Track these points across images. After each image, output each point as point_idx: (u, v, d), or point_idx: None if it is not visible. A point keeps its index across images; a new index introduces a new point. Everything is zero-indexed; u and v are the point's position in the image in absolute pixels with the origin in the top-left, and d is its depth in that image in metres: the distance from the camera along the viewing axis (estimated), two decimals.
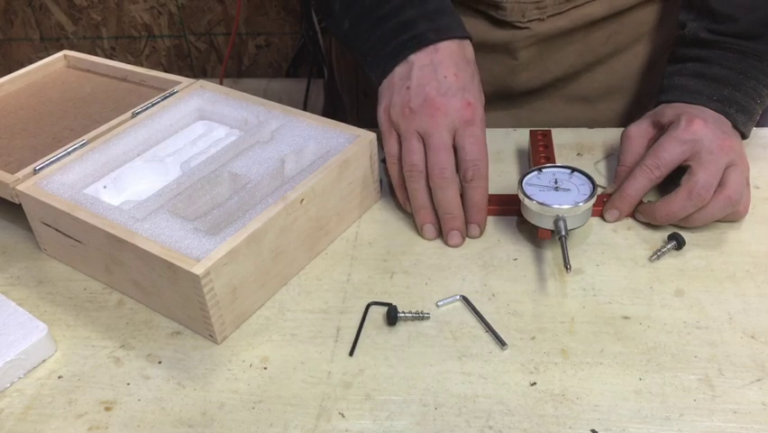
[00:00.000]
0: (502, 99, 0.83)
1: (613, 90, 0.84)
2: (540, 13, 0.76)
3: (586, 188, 0.61)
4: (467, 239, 0.63)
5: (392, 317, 0.55)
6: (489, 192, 0.68)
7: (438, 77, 0.63)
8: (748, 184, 0.62)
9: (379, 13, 0.67)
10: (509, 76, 0.81)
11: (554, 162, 0.69)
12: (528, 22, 0.76)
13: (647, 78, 0.83)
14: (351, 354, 0.54)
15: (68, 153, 0.65)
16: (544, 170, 0.63)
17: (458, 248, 0.63)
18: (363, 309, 0.57)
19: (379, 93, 0.67)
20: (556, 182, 0.62)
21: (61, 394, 0.52)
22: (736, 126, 0.64)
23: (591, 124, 0.79)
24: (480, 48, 0.78)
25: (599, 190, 0.63)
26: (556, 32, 0.77)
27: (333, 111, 1.09)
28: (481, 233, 0.63)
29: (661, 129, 0.66)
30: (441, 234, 0.63)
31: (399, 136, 0.64)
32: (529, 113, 0.85)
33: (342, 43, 0.87)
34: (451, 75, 0.63)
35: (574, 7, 0.76)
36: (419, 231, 0.64)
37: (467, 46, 0.66)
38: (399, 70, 0.65)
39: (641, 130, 0.67)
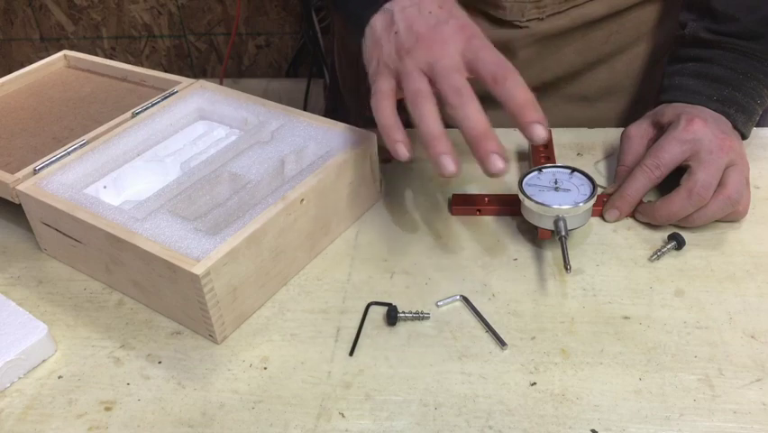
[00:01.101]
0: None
1: (613, 90, 0.84)
2: (539, 13, 0.76)
3: (586, 188, 0.61)
4: (467, 240, 0.63)
5: (392, 317, 0.55)
6: (489, 192, 0.68)
7: (423, 13, 0.58)
8: (748, 184, 0.62)
9: None
10: None
11: (554, 162, 0.69)
12: (528, 21, 0.76)
13: (647, 77, 0.83)
14: (351, 354, 0.54)
15: (68, 153, 0.65)
16: (544, 170, 0.63)
17: (458, 248, 0.62)
18: (363, 309, 0.57)
19: (365, 55, 0.62)
20: (556, 182, 0.62)
21: (61, 394, 0.52)
22: (735, 126, 0.64)
23: (591, 123, 0.79)
24: None
25: (599, 190, 0.63)
26: (556, 31, 0.77)
27: (333, 111, 1.09)
28: (545, 130, 0.52)
29: (661, 129, 0.66)
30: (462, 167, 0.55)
31: (398, 76, 0.58)
32: None
33: (334, 9, 0.83)
34: (435, 8, 0.58)
35: (574, 6, 0.76)
36: (435, 167, 0.53)
37: None
38: (379, 20, 0.60)
39: (641, 130, 0.67)
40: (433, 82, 0.55)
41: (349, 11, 0.65)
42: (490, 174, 0.52)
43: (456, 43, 0.55)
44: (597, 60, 0.82)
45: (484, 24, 0.77)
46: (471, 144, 0.53)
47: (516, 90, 0.53)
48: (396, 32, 0.58)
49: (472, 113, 0.53)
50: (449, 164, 0.53)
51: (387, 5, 0.60)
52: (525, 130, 0.52)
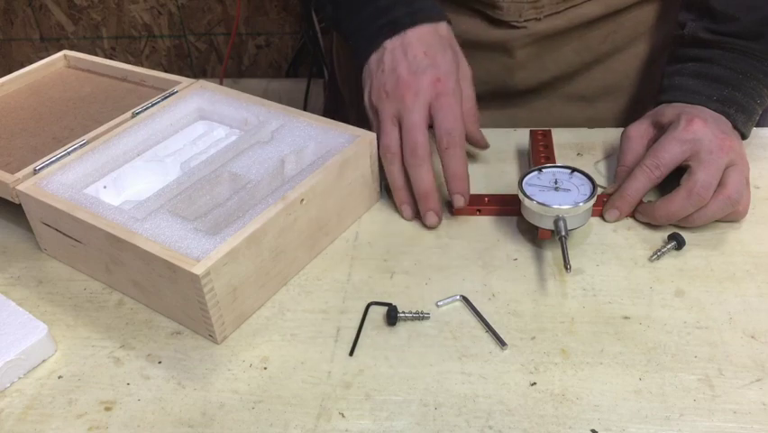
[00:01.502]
0: (500, 98, 0.83)
1: (611, 90, 0.84)
2: (537, 13, 0.76)
3: (586, 188, 0.61)
4: (467, 240, 0.63)
5: (392, 317, 0.55)
6: (489, 192, 0.68)
7: (408, 57, 0.64)
8: (748, 184, 0.62)
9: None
10: (507, 75, 0.81)
11: (554, 162, 0.69)
12: (525, 21, 0.76)
13: (646, 77, 0.83)
14: (351, 354, 0.54)
15: (68, 153, 0.65)
16: (544, 170, 0.63)
17: (458, 248, 0.63)
18: (363, 309, 0.57)
19: (362, 80, 0.68)
20: (556, 182, 0.62)
21: (61, 394, 0.52)
22: (735, 126, 0.64)
23: (590, 123, 0.79)
24: (477, 47, 0.78)
25: (599, 190, 0.63)
26: (553, 31, 0.77)
27: (333, 111, 1.09)
28: (466, 202, 0.63)
29: (661, 129, 0.66)
30: (419, 215, 0.65)
31: (377, 116, 0.65)
32: (527, 112, 0.85)
33: (332, 28, 0.89)
34: (420, 54, 0.64)
35: (571, 7, 0.76)
36: (399, 211, 0.66)
37: (441, 27, 0.67)
38: (374, 57, 0.66)
39: (640, 130, 0.67)
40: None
41: (354, 42, 0.70)
42: (426, 226, 0.65)
43: (425, 96, 0.62)
44: (594, 60, 0.82)
45: (482, 25, 0.77)
46: (417, 200, 0.64)
47: (453, 161, 0.62)
48: (382, 71, 0.65)
49: (421, 174, 0.62)
50: (407, 212, 0.66)
51: (385, 43, 0.66)
52: (450, 195, 0.64)
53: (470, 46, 0.76)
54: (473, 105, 0.68)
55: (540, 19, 0.76)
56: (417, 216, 0.65)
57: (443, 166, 0.63)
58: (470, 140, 0.68)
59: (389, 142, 0.63)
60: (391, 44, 0.65)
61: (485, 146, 0.70)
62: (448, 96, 0.62)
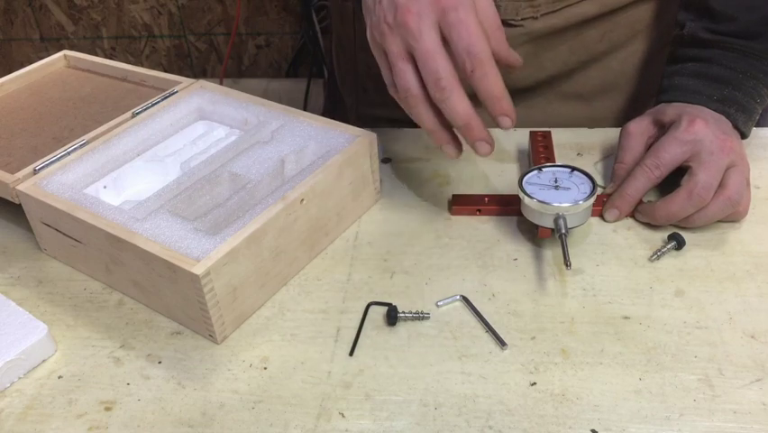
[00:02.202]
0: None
1: (608, 88, 0.84)
2: (533, 12, 0.76)
3: (586, 186, 0.61)
4: (467, 240, 0.63)
5: (392, 317, 0.55)
6: (489, 192, 0.68)
7: None
8: (748, 184, 0.62)
9: None
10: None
11: (554, 162, 0.69)
12: (522, 20, 0.76)
13: (643, 75, 0.83)
14: (351, 354, 0.54)
15: (68, 153, 0.65)
16: (543, 169, 0.63)
17: (458, 248, 0.63)
18: (363, 309, 0.57)
19: (363, 11, 0.61)
20: (556, 181, 0.62)
21: (61, 394, 0.52)
22: (736, 126, 0.64)
23: (587, 121, 0.79)
24: None
25: (599, 190, 0.63)
26: (550, 30, 0.77)
27: (333, 111, 1.09)
28: (513, 122, 0.56)
29: (661, 127, 0.66)
30: (464, 147, 0.59)
31: (388, 55, 0.58)
32: (525, 110, 0.85)
33: None
34: None
35: (567, 6, 0.76)
36: (443, 152, 0.60)
37: None
38: None
39: (641, 127, 0.67)
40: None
41: None
42: (480, 154, 0.58)
43: (431, 16, 0.54)
44: (591, 59, 0.82)
45: None
46: (461, 132, 0.57)
47: (484, 82, 0.54)
48: (380, 2, 0.57)
49: (454, 105, 0.55)
50: (450, 151, 0.59)
51: None
52: (494, 119, 0.56)
53: None
54: (493, 15, 0.58)
55: (537, 18, 0.76)
56: (461, 151, 0.59)
57: (476, 91, 0.55)
58: (496, 59, 0.57)
59: (407, 84, 0.56)
60: None
61: (517, 62, 0.60)
62: (456, 9, 0.54)
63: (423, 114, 0.57)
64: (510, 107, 0.56)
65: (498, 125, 0.57)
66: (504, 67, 0.57)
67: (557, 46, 0.80)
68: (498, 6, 0.75)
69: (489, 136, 0.57)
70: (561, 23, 0.77)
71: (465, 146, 0.60)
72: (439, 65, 0.54)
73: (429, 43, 0.54)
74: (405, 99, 0.57)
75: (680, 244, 0.60)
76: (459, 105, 0.55)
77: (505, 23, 0.76)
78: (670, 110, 0.65)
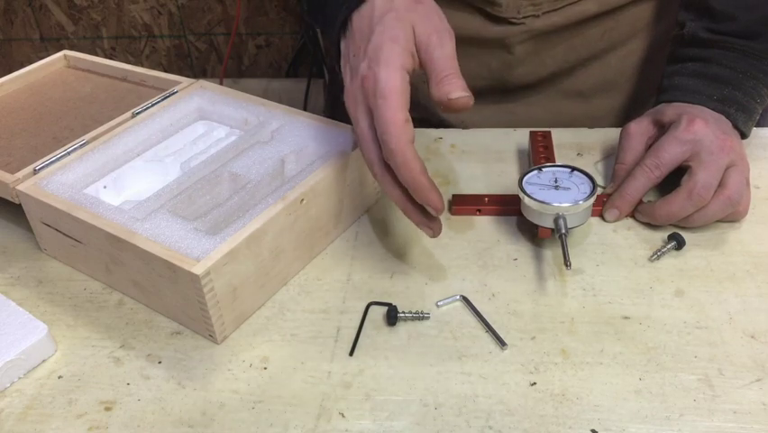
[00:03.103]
0: (497, 94, 0.84)
1: (608, 86, 0.84)
2: (535, 10, 0.76)
3: (586, 186, 0.61)
4: (467, 240, 0.63)
5: (392, 317, 0.55)
6: (489, 192, 0.68)
7: (349, 59, 0.57)
8: (748, 184, 0.62)
9: None
10: (505, 70, 0.81)
11: (554, 163, 0.69)
12: (523, 18, 0.76)
13: (642, 74, 0.84)
14: (351, 354, 0.54)
15: (68, 153, 0.65)
16: (543, 169, 0.63)
17: (458, 248, 0.62)
18: (363, 309, 0.57)
19: None
20: (556, 181, 0.62)
21: (61, 394, 0.52)
22: (736, 126, 0.64)
23: (587, 119, 0.79)
24: (476, 43, 0.78)
25: (599, 190, 0.63)
26: (551, 28, 0.78)
27: (333, 111, 1.09)
28: (439, 212, 0.54)
29: (661, 128, 0.66)
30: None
31: None
32: (525, 108, 0.85)
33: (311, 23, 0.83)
34: (357, 50, 0.56)
35: (569, 4, 0.76)
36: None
37: None
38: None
39: (641, 128, 0.67)
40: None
41: (328, 34, 0.63)
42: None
43: (362, 101, 0.54)
44: (592, 57, 0.82)
45: (481, 21, 0.78)
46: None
47: (401, 172, 0.52)
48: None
49: (389, 192, 0.55)
50: (422, 226, 0.57)
51: (341, 45, 0.59)
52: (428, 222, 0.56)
53: (468, 42, 0.76)
54: (443, 61, 0.53)
55: (538, 16, 0.76)
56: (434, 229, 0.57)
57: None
58: (444, 110, 0.54)
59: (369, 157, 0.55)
60: (345, 47, 0.58)
61: (466, 106, 0.53)
62: (374, 95, 0.52)
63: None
64: (433, 196, 0.53)
65: (427, 217, 0.56)
66: (457, 111, 0.54)
67: (558, 44, 0.80)
68: (499, 4, 0.75)
69: (429, 219, 0.56)
70: (562, 21, 0.77)
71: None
72: (367, 151, 0.54)
73: (361, 129, 0.55)
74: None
75: (680, 244, 0.60)
76: (391, 190, 0.55)
77: (506, 21, 0.77)
78: (669, 110, 0.65)
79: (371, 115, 0.53)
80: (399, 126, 0.51)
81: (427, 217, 0.56)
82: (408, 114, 0.52)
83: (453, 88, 0.52)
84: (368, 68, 0.53)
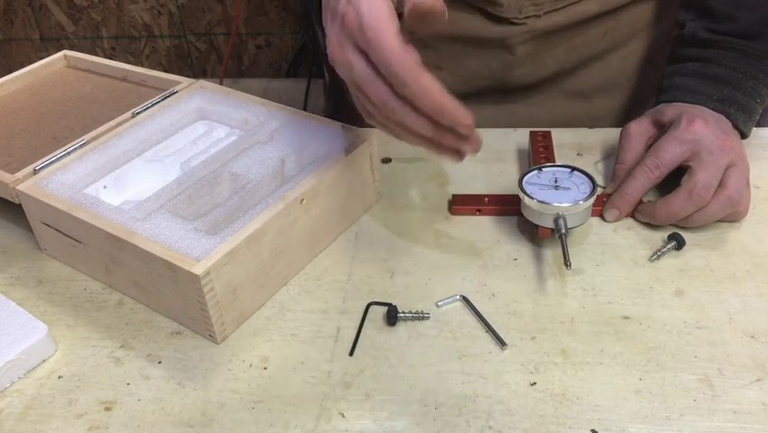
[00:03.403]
0: (498, 94, 0.84)
1: (609, 86, 0.84)
2: (536, 10, 0.76)
3: (586, 186, 0.61)
4: (467, 240, 0.63)
5: (392, 317, 0.55)
6: (489, 192, 0.68)
7: (329, 6, 0.51)
8: (748, 184, 0.62)
9: None
10: (506, 71, 0.81)
11: (554, 162, 0.69)
12: (525, 18, 0.76)
13: (643, 74, 0.84)
14: (351, 354, 0.54)
15: (68, 153, 0.65)
16: (543, 169, 0.63)
17: (458, 248, 0.62)
18: (363, 309, 0.57)
19: None
20: (556, 181, 0.62)
21: (61, 394, 0.52)
22: (736, 126, 0.64)
23: (588, 119, 0.79)
24: (477, 43, 0.78)
25: (599, 190, 0.63)
26: (552, 28, 0.78)
27: (334, 110, 1.09)
28: (469, 124, 0.50)
29: (661, 128, 0.66)
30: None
31: None
32: (526, 108, 0.85)
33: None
34: None
35: (570, 4, 0.76)
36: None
37: None
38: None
39: (641, 128, 0.67)
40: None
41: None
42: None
43: (346, 41, 0.49)
44: (593, 57, 0.82)
45: (482, 21, 0.78)
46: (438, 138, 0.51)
47: (423, 97, 0.48)
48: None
49: (412, 119, 0.50)
50: (448, 154, 0.53)
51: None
52: (455, 142, 0.51)
53: (469, 42, 0.76)
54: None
55: (539, 16, 0.76)
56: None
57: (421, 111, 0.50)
58: (415, 16, 0.48)
59: (374, 109, 0.52)
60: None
61: (433, 7, 0.47)
62: (361, 30, 0.47)
63: (401, 133, 0.52)
64: (462, 115, 0.49)
65: (461, 149, 0.52)
66: (422, 14, 0.47)
67: (559, 44, 0.80)
68: (500, 4, 0.75)
69: (464, 139, 0.52)
70: (563, 21, 0.77)
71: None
72: (378, 90, 0.49)
73: (359, 72, 0.50)
74: (381, 125, 0.54)
75: (680, 244, 0.60)
76: (415, 121, 0.50)
77: (507, 21, 0.77)
78: (669, 110, 0.65)
79: (364, 54, 0.48)
80: (402, 53, 0.47)
81: (461, 138, 0.51)
82: (404, 37, 0.48)
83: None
84: (347, 3, 0.48)
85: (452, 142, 0.52)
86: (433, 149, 0.53)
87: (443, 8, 0.47)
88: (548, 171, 0.63)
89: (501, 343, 0.53)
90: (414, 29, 0.48)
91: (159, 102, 0.73)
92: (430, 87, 0.48)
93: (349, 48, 0.49)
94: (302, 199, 0.58)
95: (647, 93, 0.83)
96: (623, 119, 0.69)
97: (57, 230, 0.61)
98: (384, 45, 0.47)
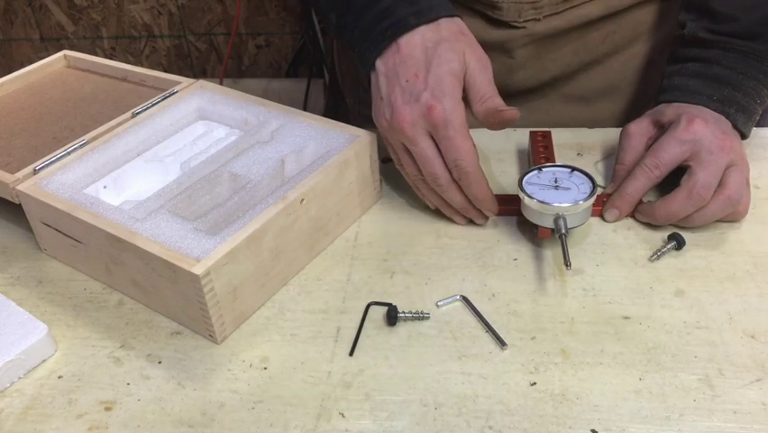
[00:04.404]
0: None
1: (610, 90, 0.84)
2: (536, 14, 0.76)
3: (586, 186, 0.61)
4: (467, 240, 0.63)
5: (392, 317, 0.55)
6: None
7: (401, 82, 0.60)
8: (748, 184, 0.62)
9: (362, 2, 0.64)
10: (506, 75, 0.81)
11: (554, 163, 0.69)
12: (525, 22, 0.76)
13: (644, 77, 0.83)
14: (351, 354, 0.54)
15: (68, 153, 0.65)
16: (543, 169, 0.63)
17: (458, 248, 0.63)
18: (363, 309, 0.57)
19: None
20: (556, 181, 0.62)
21: (61, 394, 0.52)
22: (735, 126, 0.64)
23: (588, 123, 0.79)
24: None
25: (599, 190, 0.63)
26: (553, 31, 0.77)
27: (334, 110, 1.09)
28: (495, 213, 0.64)
29: (661, 128, 0.66)
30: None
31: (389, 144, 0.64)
32: (527, 112, 0.85)
33: (335, 37, 0.85)
34: (411, 76, 0.60)
35: (571, 7, 0.76)
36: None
37: (443, 25, 0.61)
38: (373, 79, 0.63)
39: (641, 128, 0.67)
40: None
41: (355, 56, 0.67)
42: (478, 222, 0.65)
43: (425, 126, 0.59)
44: (593, 61, 0.82)
45: (482, 25, 0.77)
46: (459, 211, 0.64)
47: (470, 188, 0.61)
48: (380, 98, 0.62)
49: (451, 195, 0.62)
50: (460, 220, 0.65)
51: (376, 64, 0.62)
52: (480, 217, 0.64)
53: None
54: (485, 85, 0.61)
55: (539, 19, 0.76)
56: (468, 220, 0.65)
57: (466, 194, 0.62)
58: (492, 121, 0.61)
59: (414, 171, 0.62)
60: (382, 66, 0.62)
61: (514, 117, 0.60)
62: (446, 127, 0.58)
63: (430, 194, 0.64)
64: (494, 206, 0.63)
65: (483, 218, 0.65)
66: (502, 124, 0.61)
67: (559, 48, 0.80)
68: (500, 8, 0.75)
69: (482, 214, 0.64)
70: (563, 24, 0.77)
71: None
72: (436, 169, 0.60)
73: (425, 150, 0.60)
74: (414, 182, 0.64)
75: (680, 244, 0.60)
76: (456, 196, 0.62)
77: (507, 25, 0.76)
78: (669, 110, 0.65)
79: (432, 138, 0.60)
80: (472, 153, 0.59)
81: (479, 215, 0.64)
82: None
83: (498, 104, 0.60)
84: (432, 97, 0.58)
85: (471, 216, 0.64)
86: (447, 212, 0.65)
87: (517, 115, 0.60)
88: (548, 171, 0.63)
89: (501, 343, 0.53)
90: (485, 125, 0.61)
91: (159, 102, 0.73)
92: (483, 181, 0.61)
93: (421, 130, 0.59)
94: (302, 199, 0.58)
95: (648, 97, 0.83)
96: (623, 123, 0.69)
97: (57, 230, 0.61)
98: (462, 145, 0.59)
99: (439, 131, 0.59)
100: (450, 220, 0.66)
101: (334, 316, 0.57)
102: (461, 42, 0.61)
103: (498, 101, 0.60)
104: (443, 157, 0.60)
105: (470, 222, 0.65)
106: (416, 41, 0.61)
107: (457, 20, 0.63)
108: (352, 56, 0.70)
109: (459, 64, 0.60)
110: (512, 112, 0.60)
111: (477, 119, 0.61)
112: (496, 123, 0.60)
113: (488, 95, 0.60)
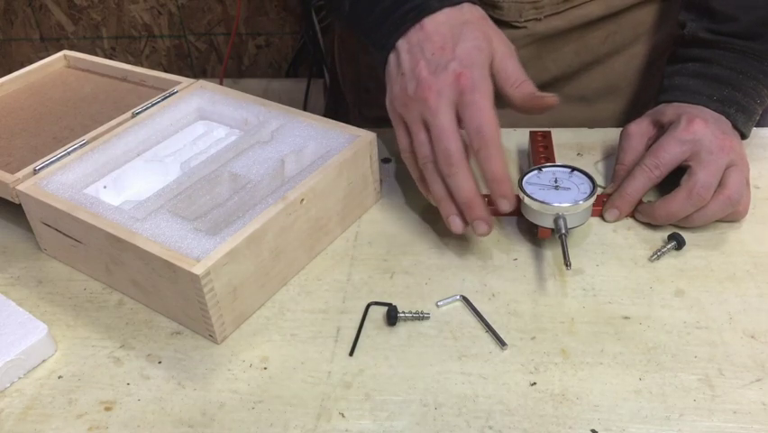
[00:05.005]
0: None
1: (611, 90, 0.84)
2: (537, 13, 0.76)
3: (586, 186, 0.61)
4: (467, 240, 0.63)
5: (392, 317, 0.55)
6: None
7: (426, 55, 0.59)
8: (748, 184, 0.62)
9: None
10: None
11: (554, 163, 0.69)
12: (525, 21, 0.76)
13: (645, 78, 0.83)
14: (351, 354, 0.54)
15: (68, 153, 0.65)
16: (543, 169, 0.64)
17: (458, 248, 0.62)
18: (363, 309, 0.57)
19: (385, 83, 0.64)
20: (556, 181, 0.62)
21: (61, 394, 0.52)
22: (735, 126, 0.64)
23: (590, 123, 0.79)
24: None
25: (599, 190, 0.63)
26: (553, 31, 0.77)
27: (335, 110, 1.09)
28: (512, 206, 0.58)
29: (661, 128, 0.66)
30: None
31: (406, 124, 0.61)
32: None
33: (347, 27, 0.84)
34: (437, 49, 0.58)
35: (571, 7, 0.76)
36: (446, 224, 0.61)
37: (466, 9, 0.61)
38: (392, 59, 0.62)
39: (641, 128, 0.67)
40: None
41: (369, 42, 0.66)
42: (477, 235, 0.59)
43: (450, 96, 0.57)
44: (594, 61, 0.82)
45: None
46: (461, 210, 0.59)
47: (488, 162, 0.56)
48: (402, 74, 0.60)
49: (459, 182, 0.57)
50: (455, 224, 0.60)
51: (398, 44, 0.61)
52: (493, 200, 0.58)
53: None
54: (516, 71, 0.60)
55: (540, 19, 0.76)
56: (467, 226, 0.60)
57: (480, 170, 0.57)
58: (531, 106, 0.59)
59: (426, 152, 0.59)
60: (407, 43, 0.60)
61: (554, 102, 0.59)
62: (473, 92, 0.56)
63: (436, 181, 0.59)
64: (510, 191, 0.57)
65: (498, 207, 0.58)
66: (543, 109, 0.59)
67: (560, 48, 0.80)
68: (501, 8, 0.75)
69: (489, 217, 0.58)
70: (564, 24, 0.77)
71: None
72: (452, 143, 0.57)
73: (445, 122, 0.57)
74: (424, 165, 0.60)
75: (680, 244, 0.60)
76: (464, 183, 0.57)
77: (508, 25, 0.76)
78: (669, 110, 0.65)
79: (455, 109, 0.57)
80: (496, 122, 0.56)
81: (483, 219, 0.59)
82: None
83: (534, 89, 0.58)
84: (461, 65, 0.57)
85: (474, 215, 0.58)
86: (447, 212, 0.60)
87: (557, 101, 0.58)
88: (548, 171, 0.63)
89: (501, 343, 0.53)
90: (520, 110, 0.59)
91: (159, 102, 0.73)
92: (502, 156, 0.56)
93: (445, 100, 0.57)
94: (302, 199, 0.58)
95: (648, 97, 0.83)
96: (624, 123, 0.69)
97: (57, 230, 0.61)
98: (486, 111, 0.56)
99: (466, 95, 0.56)
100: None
101: (334, 316, 0.57)
102: (485, 26, 0.60)
103: (533, 86, 0.59)
104: (460, 135, 0.57)
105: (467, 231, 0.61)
106: (440, 19, 0.60)
107: (479, 7, 0.62)
108: (363, 43, 0.68)
109: (486, 43, 0.59)
110: (553, 98, 0.58)
111: (510, 104, 0.59)
112: (535, 108, 0.58)
113: (521, 79, 0.59)
